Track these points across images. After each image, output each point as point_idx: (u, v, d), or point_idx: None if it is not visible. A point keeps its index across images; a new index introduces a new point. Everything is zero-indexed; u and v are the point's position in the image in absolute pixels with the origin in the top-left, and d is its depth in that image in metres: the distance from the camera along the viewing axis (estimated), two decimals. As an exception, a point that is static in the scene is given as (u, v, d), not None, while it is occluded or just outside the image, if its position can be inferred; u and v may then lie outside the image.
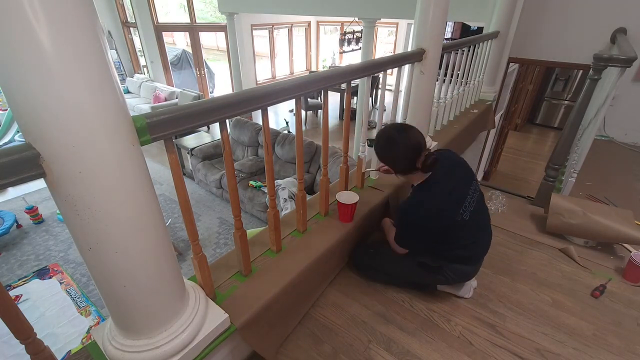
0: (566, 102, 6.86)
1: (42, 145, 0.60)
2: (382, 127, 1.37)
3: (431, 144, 2.20)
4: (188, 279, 1.08)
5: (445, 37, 3.65)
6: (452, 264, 1.38)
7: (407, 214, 1.33)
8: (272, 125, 6.88)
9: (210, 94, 8.38)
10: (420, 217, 1.28)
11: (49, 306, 2.82)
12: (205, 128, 6.20)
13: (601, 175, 2.74)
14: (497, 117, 4.13)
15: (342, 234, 1.49)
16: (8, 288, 2.99)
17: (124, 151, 0.68)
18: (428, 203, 1.28)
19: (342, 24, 9.48)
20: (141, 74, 7.96)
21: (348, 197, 1.53)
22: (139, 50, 7.86)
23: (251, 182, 4.06)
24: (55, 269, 3.25)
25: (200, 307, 0.99)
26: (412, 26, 1.92)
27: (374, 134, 1.45)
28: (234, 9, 6.02)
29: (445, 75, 2.44)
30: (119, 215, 0.70)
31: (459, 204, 1.29)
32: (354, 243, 1.64)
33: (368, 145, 1.79)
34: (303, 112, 5.01)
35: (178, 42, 9.88)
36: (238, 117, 4.73)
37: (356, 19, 4.62)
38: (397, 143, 1.29)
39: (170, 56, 7.94)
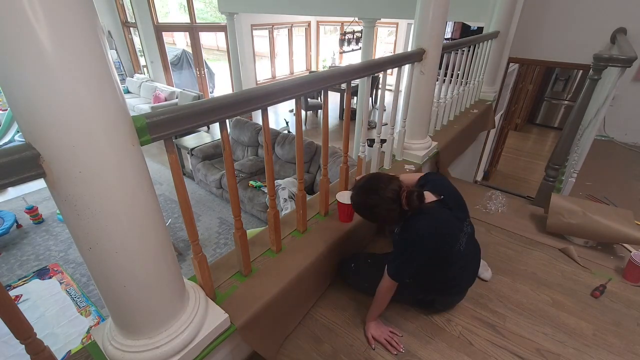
0: (566, 102, 6.86)
1: (42, 145, 0.60)
2: (352, 193, 1.30)
3: (431, 144, 2.20)
4: (188, 279, 1.08)
5: (445, 37, 3.65)
6: (443, 296, 1.39)
7: (406, 241, 1.21)
8: (272, 125, 6.87)
9: (210, 94, 8.38)
10: (423, 242, 1.18)
11: (49, 306, 2.82)
12: (205, 128, 6.20)
13: (601, 175, 2.74)
14: (497, 117, 4.13)
15: (342, 234, 1.49)
16: (8, 288, 2.99)
17: (124, 151, 0.68)
18: (427, 227, 1.18)
19: (342, 24, 9.48)
20: (141, 74, 7.96)
21: (348, 197, 1.52)
22: (139, 50, 7.86)
23: (251, 182, 4.06)
24: (55, 269, 3.25)
25: (200, 307, 0.99)
26: (412, 26, 1.92)
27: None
28: (234, 9, 6.02)
29: (445, 75, 2.44)
30: (119, 215, 0.70)
31: (456, 232, 1.24)
32: (354, 243, 1.64)
33: (368, 146, 1.79)
34: (303, 112, 5.01)
35: (178, 42, 9.87)
36: (238, 117, 4.73)
37: (356, 19, 4.62)
38: (375, 205, 1.22)
39: (170, 56, 7.94)
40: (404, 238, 1.22)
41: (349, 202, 1.49)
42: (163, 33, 7.48)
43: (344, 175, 1.66)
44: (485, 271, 1.61)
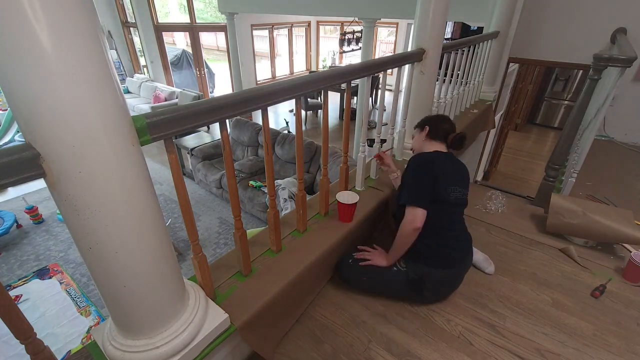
0: (566, 102, 6.86)
1: (42, 145, 0.60)
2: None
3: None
4: (188, 279, 1.08)
5: (445, 37, 3.65)
6: (432, 268, 1.37)
7: (417, 167, 1.44)
8: (272, 125, 6.88)
9: (210, 94, 8.38)
10: (429, 167, 1.41)
11: (49, 306, 2.82)
12: (205, 128, 6.20)
13: (601, 175, 2.74)
14: (497, 117, 4.13)
15: (342, 234, 1.49)
16: (8, 288, 2.99)
17: (124, 151, 0.68)
18: (432, 160, 1.44)
19: (342, 24, 9.49)
20: (141, 74, 7.96)
21: (348, 197, 1.53)
22: (139, 50, 7.86)
23: (251, 182, 4.06)
24: (55, 269, 3.25)
25: (200, 307, 0.98)
26: (412, 26, 1.92)
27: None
28: (234, 9, 6.02)
29: (445, 75, 2.44)
30: (119, 215, 0.70)
31: (451, 180, 1.44)
32: (354, 243, 1.64)
33: (368, 145, 1.78)
34: (303, 112, 5.01)
35: (178, 42, 9.89)
36: (238, 117, 4.73)
37: (356, 19, 4.62)
38: (447, 119, 1.61)
39: (170, 56, 7.94)
40: (411, 163, 1.46)
41: (349, 202, 1.50)
42: (163, 33, 7.49)
43: (344, 175, 1.66)
44: (488, 265, 1.62)
